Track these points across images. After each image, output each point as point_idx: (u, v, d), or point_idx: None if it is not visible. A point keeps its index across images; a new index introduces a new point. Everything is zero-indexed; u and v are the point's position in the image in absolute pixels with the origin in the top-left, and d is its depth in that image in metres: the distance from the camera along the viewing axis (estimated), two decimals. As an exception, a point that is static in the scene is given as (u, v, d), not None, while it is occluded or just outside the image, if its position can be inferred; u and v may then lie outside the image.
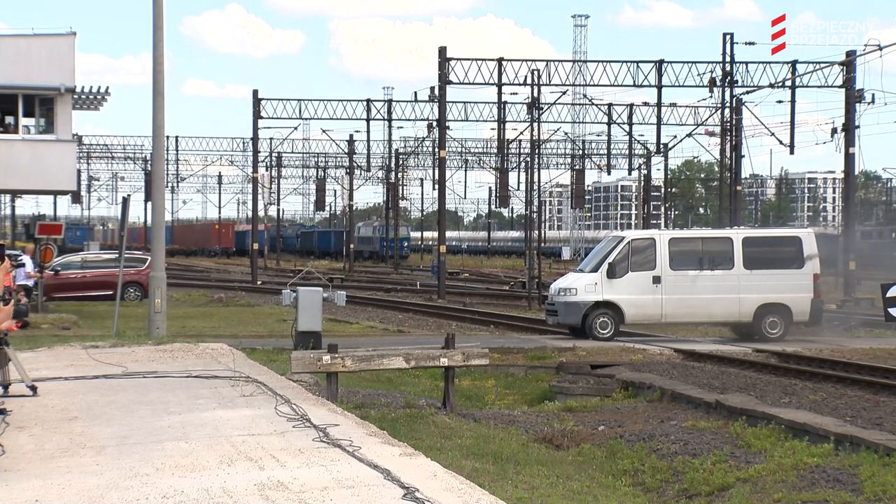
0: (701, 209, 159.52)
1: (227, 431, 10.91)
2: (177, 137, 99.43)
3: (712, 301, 27.08)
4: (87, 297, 38.19)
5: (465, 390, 20.41)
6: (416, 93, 60.84)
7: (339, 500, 8.00)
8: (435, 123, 54.54)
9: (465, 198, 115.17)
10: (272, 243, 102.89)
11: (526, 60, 49.64)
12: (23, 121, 31.40)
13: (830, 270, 40.59)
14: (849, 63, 44.48)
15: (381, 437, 10.59)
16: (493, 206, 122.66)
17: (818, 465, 12.91)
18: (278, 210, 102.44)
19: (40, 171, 31.39)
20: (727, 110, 49.71)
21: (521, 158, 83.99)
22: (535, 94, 49.35)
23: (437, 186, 54.39)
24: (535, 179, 53.48)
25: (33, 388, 13.65)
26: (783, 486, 12.40)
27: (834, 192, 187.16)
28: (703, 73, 48.95)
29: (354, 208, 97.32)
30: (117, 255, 32.85)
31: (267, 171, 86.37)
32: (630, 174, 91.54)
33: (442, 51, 45.90)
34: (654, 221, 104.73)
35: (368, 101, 67.67)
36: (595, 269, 27.36)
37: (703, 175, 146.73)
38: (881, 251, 74.75)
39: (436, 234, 61.69)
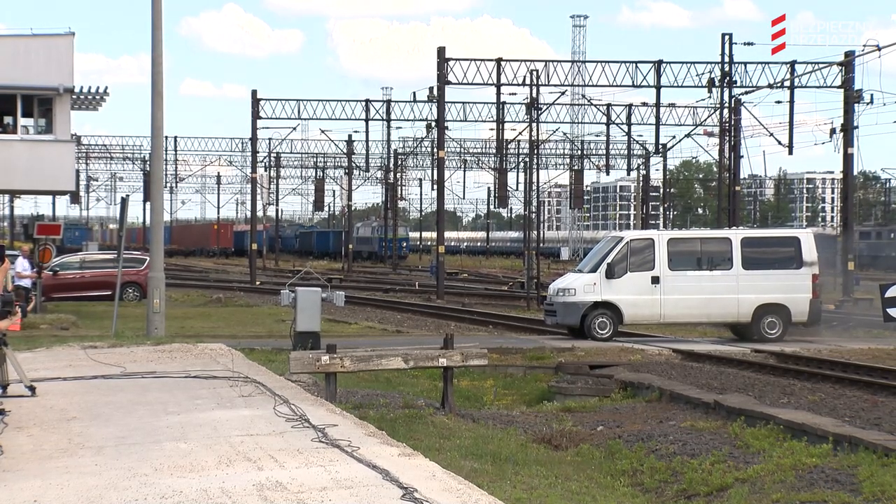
0: (699, 209, 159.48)
1: (226, 432, 10.91)
2: (175, 138, 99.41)
3: (711, 301, 27.07)
4: (85, 297, 38.14)
5: (463, 390, 20.40)
6: (414, 93, 60.82)
7: (338, 500, 8.00)
8: (434, 124, 54.50)
9: (463, 198, 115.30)
10: (271, 243, 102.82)
11: (525, 61, 49.67)
12: (21, 121, 31.36)
13: (829, 271, 40.59)
14: (847, 63, 44.48)
15: (379, 437, 10.60)
16: (491, 207, 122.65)
17: (817, 466, 12.91)
18: (277, 210, 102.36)
19: (39, 171, 31.35)
20: (726, 111, 49.73)
21: (520, 159, 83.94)
22: (534, 95, 49.36)
23: (435, 187, 54.35)
24: (534, 180, 53.50)
25: (32, 389, 13.65)
26: (782, 487, 12.40)
27: (832, 192, 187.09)
28: (702, 74, 48.99)
29: (353, 208, 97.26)
30: (116, 256, 32.85)
31: (265, 171, 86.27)
32: (629, 174, 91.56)
33: (441, 51, 45.90)
34: (653, 222, 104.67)
35: (367, 101, 67.70)
36: (594, 270, 27.35)
37: (701, 175, 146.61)
38: (880, 251, 74.87)
39: (434, 235, 61.64)
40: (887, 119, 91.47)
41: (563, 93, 56.22)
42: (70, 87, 30.86)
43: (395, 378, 20.59)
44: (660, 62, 49.93)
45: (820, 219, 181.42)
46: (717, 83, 48.69)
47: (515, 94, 56.77)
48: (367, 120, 68.24)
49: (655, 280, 27.01)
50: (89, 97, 34.83)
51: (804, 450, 13.63)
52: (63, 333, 24.90)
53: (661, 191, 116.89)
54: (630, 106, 65.72)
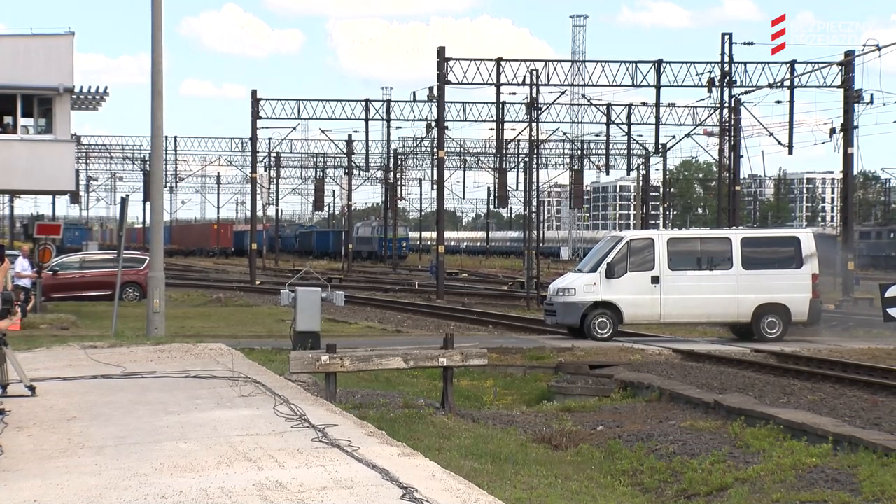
0: (699, 209, 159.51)
1: (226, 431, 10.91)
2: (175, 137, 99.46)
3: (711, 301, 27.06)
4: (85, 297, 38.16)
5: (463, 390, 20.41)
6: (414, 93, 60.85)
7: (338, 500, 8.00)
8: (433, 123, 54.51)
9: (463, 198, 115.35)
10: (271, 243, 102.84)
11: (525, 60, 49.71)
12: (21, 121, 31.36)
13: (829, 270, 40.58)
14: (847, 63, 44.48)
15: (379, 437, 10.60)
16: (491, 207, 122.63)
17: (817, 465, 12.91)
18: (277, 210, 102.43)
19: (39, 171, 31.36)
20: (726, 110, 49.74)
21: (520, 158, 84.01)
22: (534, 95, 49.37)
23: (435, 186, 54.37)
24: (534, 179, 53.54)
25: (32, 389, 13.65)
26: (782, 487, 12.41)
27: (832, 192, 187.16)
28: (702, 74, 49.02)
29: (353, 208, 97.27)
30: (116, 256, 32.85)
31: (265, 171, 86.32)
32: (629, 174, 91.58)
33: (440, 51, 45.91)
34: (653, 221, 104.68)
35: (367, 101, 67.72)
36: (594, 270, 27.35)
37: (701, 175, 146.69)
38: (880, 251, 74.93)
39: (434, 235, 61.67)
40: (887, 119, 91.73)
41: (562, 93, 56.33)
42: (70, 87, 30.87)
43: (395, 378, 20.59)
44: (660, 62, 49.94)
45: (820, 219, 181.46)
46: (716, 83, 48.72)
47: (515, 93, 56.89)
48: (367, 120, 68.29)
49: (655, 280, 27.01)
50: (89, 97, 34.83)
51: (804, 450, 13.63)
52: (63, 333, 24.91)
53: (661, 191, 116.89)
54: (630, 106, 65.75)
